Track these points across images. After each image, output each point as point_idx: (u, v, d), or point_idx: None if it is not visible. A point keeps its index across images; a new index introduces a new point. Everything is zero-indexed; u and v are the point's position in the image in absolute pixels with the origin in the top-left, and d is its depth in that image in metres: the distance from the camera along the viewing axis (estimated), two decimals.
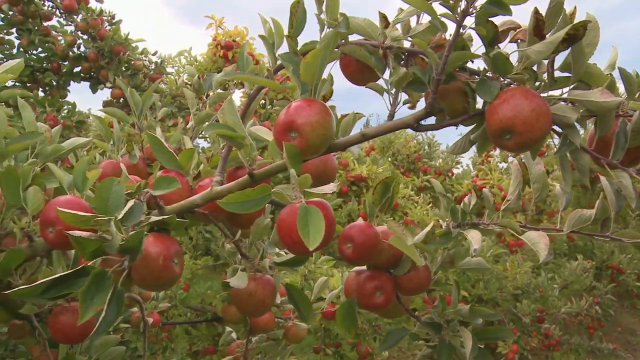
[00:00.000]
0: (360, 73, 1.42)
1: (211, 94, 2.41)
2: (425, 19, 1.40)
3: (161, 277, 1.21)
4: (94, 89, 5.06)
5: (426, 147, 7.49)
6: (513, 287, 5.87)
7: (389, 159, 7.18)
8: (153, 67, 4.98)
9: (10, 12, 4.79)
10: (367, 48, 1.38)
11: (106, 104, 5.18)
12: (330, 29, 1.41)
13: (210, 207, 1.47)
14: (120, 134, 2.20)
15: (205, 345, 5.51)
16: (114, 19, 4.85)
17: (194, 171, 1.55)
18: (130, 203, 1.21)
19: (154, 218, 1.26)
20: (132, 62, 4.83)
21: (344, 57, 1.42)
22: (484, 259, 1.83)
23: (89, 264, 1.15)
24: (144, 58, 4.95)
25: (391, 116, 1.35)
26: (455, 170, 7.66)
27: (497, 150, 8.90)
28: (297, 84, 1.32)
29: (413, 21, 1.43)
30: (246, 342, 2.44)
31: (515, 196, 1.73)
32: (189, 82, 5.69)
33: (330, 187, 1.36)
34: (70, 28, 4.96)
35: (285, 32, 1.46)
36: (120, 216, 1.17)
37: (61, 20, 4.97)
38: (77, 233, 1.09)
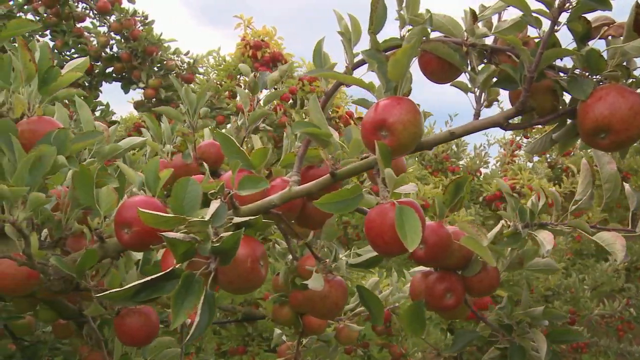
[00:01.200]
0: (442, 71, 1.39)
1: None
2: (507, 15, 1.37)
3: (249, 280, 1.18)
4: (125, 89, 5.06)
5: (454, 147, 7.42)
6: (544, 288, 5.79)
7: (417, 159, 7.13)
8: (185, 67, 4.97)
9: (45, 14, 4.80)
10: (450, 45, 1.35)
11: (137, 104, 5.18)
12: (411, 25, 1.39)
13: (284, 207, 1.44)
14: (175, 133, 2.19)
15: (234, 346, 5.49)
16: (147, 19, 4.85)
17: (265, 171, 1.53)
18: (216, 204, 1.18)
19: (237, 219, 1.23)
20: (165, 62, 4.83)
21: (425, 54, 1.39)
22: (552, 260, 1.79)
23: (177, 267, 1.12)
24: (176, 58, 4.94)
25: (477, 114, 1.32)
26: (483, 170, 7.59)
27: (521, 150, 8.84)
28: (381, 82, 1.29)
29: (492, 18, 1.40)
30: (297, 344, 2.42)
31: (587, 196, 1.69)
32: (219, 82, 5.69)
33: (411, 187, 1.33)
34: (103, 29, 4.97)
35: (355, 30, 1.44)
36: (207, 217, 1.14)
37: (94, 21, 4.99)
38: (171, 234, 1.07)
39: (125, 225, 1.36)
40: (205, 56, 5.74)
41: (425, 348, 5.86)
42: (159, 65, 4.87)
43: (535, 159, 9.08)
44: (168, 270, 1.10)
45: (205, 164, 2.24)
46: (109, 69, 5.06)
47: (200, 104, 2.14)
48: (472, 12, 1.30)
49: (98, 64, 5.00)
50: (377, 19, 1.37)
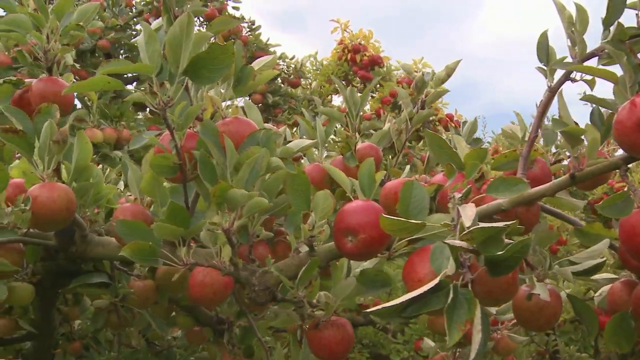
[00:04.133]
0: None
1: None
2: None
3: (508, 291, 1.10)
4: None
5: (553, 149, 7.18)
6: None
7: None
8: (291, 71, 4.96)
9: None
10: None
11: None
12: None
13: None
14: (339, 136, 2.14)
15: None
16: (253, 24, 4.86)
17: (477, 173, 1.44)
18: (471, 208, 1.10)
19: (482, 224, 1.15)
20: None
21: None
22: None
23: (442, 279, 1.04)
24: (282, 63, 4.94)
25: None
26: None
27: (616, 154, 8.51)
28: (628, 74, 1.19)
29: None
30: (453, 354, 2.33)
31: None
32: (320, 85, 5.67)
33: None
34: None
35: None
36: (467, 223, 1.07)
37: (201, 29, 5.02)
38: (457, 242, 0.99)
39: (349, 232, 1.29)
40: (302, 61, 5.75)
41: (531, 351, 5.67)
42: None
43: None
44: (435, 282, 1.02)
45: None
46: None
47: (363, 104, 2.08)
48: None
49: None
50: (614, 7, 1.28)
